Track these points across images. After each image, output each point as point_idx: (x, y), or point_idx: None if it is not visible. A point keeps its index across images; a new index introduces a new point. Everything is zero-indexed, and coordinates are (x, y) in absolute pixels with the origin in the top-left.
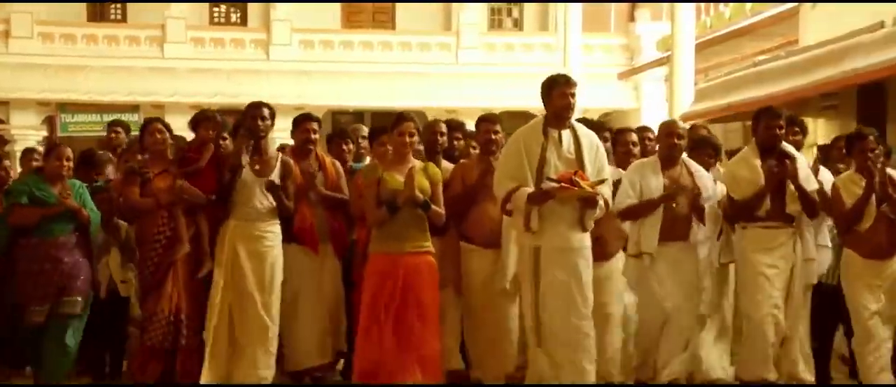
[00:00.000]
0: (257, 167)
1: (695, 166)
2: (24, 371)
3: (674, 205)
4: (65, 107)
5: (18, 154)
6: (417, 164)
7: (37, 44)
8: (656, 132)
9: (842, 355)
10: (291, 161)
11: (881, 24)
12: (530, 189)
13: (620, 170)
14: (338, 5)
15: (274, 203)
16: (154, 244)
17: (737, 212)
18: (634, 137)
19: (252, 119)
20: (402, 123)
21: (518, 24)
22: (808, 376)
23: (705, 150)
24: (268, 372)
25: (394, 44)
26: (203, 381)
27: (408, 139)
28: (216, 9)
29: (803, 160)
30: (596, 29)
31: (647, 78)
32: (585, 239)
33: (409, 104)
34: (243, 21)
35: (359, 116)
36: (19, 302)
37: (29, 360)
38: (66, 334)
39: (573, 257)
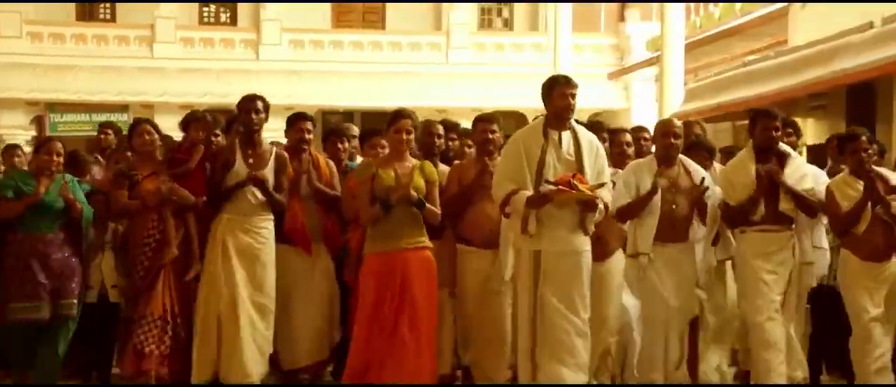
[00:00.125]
0: (251, 161)
1: (692, 165)
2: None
3: (673, 206)
4: (54, 106)
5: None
6: (414, 162)
7: (25, 43)
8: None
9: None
10: (285, 155)
11: (870, 25)
12: (529, 192)
13: (618, 170)
14: (328, 5)
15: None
16: (144, 247)
17: (732, 217)
18: (628, 137)
19: (246, 112)
20: (400, 119)
21: (508, 24)
22: (802, 377)
23: (700, 153)
24: (257, 370)
25: (384, 44)
26: (194, 380)
27: (405, 136)
28: (206, 8)
29: (801, 160)
30: (586, 29)
31: (636, 78)
32: (586, 243)
33: (400, 104)
34: (233, 21)
35: (349, 115)
36: (2, 299)
37: (9, 360)
38: (60, 337)
39: (573, 262)
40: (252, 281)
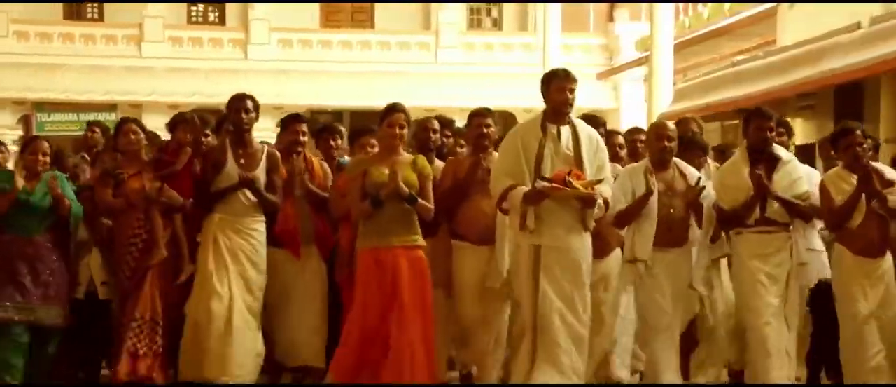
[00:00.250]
0: (242, 161)
1: (687, 168)
2: None
3: (670, 210)
4: (41, 106)
5: None
6: (406, 157)
7: (12, 42)
8: (636, 134)
9: None
10: (277, 153)
11: (858, 25)
12: (526, 188)
13: (617, 166)
14: (316, 5)
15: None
16: (130, 247)
17: (726, 220)
18: (621, 138)
19: (235, 112)
20: (393, 114)
21: (497, 24)
22: (796, 377)
23: (694, 151)
24: (242, 371)
25: (373, 43)
26: (181, 379)
27: (397, 131)
28: (194, 8)
29: (795, 162)
30: (575, 29)
31: (626, 78)
32: (585, 239)
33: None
34: (221, 20)
35: (338, 115)
36: None
37: None
38: (49, 345)
39: (573, 259)
40: (244, 282)
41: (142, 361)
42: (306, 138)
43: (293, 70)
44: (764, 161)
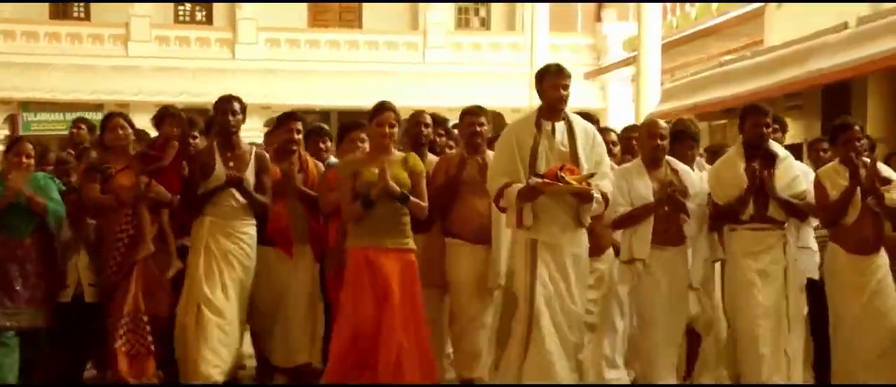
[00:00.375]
0: (231, 164)
1: (679, 165)
2: None
3: (665, 208)
4: (27, 105)
5: None
6: (397, 155)
7: None
8: (629, 132)
9: None
10: (266, 154)
11: (845, 25)
12: (521, 185)
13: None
14: (304, 4)
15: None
16: (116, 243)
17: (721, 215)
18: (613, 136)
19: (222, 114)
20: (382, 112)
21: (485, 24)
22: (802, 377)
23: (685, 143)
24: (214, 371)
25: (361, 43)
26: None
27: (387, 130)
28: (181, 8)
29: (791, 160)
30: (563, 29)
31: (613, 78)
32: (581, 236)
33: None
34: (209, 20)
35: (325, 115)
36: None
37: None
38: (34, 346)
39: (568, 256)
40: (234, 285)
41: (140, 359)
42: (301, 136)
43: (281, 70)
44: (760, 158)
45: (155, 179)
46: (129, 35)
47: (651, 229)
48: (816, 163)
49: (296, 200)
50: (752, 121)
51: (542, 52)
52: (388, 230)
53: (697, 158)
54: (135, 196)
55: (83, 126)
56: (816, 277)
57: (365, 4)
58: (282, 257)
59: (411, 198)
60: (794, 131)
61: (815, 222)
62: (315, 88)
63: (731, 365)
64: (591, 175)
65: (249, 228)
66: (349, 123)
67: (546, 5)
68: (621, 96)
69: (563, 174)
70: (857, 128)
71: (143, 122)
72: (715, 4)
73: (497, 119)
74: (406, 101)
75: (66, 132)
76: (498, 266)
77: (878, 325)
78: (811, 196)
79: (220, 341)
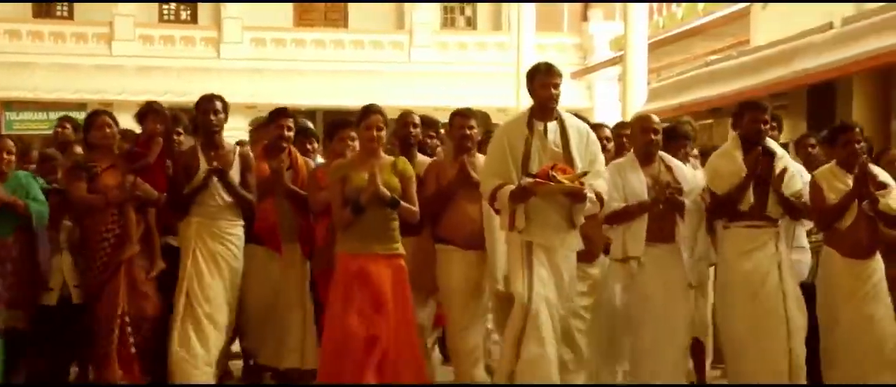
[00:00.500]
0: (215, 163)
1: (673, 161)
2: None
3: (658, 205)
4: (10, 104)
5: None
6: (386, 159)
7: None
8: (620, 130)
9: None
10: (250, 153)
11: (830, 25)
12: (513, 186)
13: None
14: (289, 4)
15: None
16: (102, 243)
17: (719, 206)
18: (608, 132)
19: (204, 113)
20: (370, 115)
21: (471, 23)
22: (801, 376)
23: (678, 141)
24: (204, 372)
25: (346, 42)
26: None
27: (375, 133)
28: (165, 7)
29: (788, 159)
30: (549, 28)
31: (600, 77)
32: (574, 237)
33: (362, 103)
34: (193, 19)
35: (311, 114)
36: None
37: None
38: (12, 348)
39: (561, 257)
40: (216, 289)
41: (127, 360)
42: (292, 134)
43: (266, 69)
44: (758, 153)
45: (140, 176)
46: (113, 34)
47: (645, 227)
48: (806, 159)
49: (284, 198)
50: (751, 116)
51: (528, 52)
52: (378, 236)
53: (692, 159)
54: (122, 196)
55: (68, 125)
56: (807, 279)
57: (350, 4)
58: (271, 256)
59: (402, 203)
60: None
61: (808, 224)
62: (301, 88)
63: (729, 369)
64: (585, 174)
65: (236, 229)
66: (338, 122)
67: (532, 5)
68: (608, 96)
69: (554, 173)
70: (857, 130)
71: (128, 121)
72: (701, 4)
73: (484, 120)
74: (392, 100)
75: (49, 131)
76: (495, 271)
77: (871, 330)
78: (806, 197)
79: (210, 342)
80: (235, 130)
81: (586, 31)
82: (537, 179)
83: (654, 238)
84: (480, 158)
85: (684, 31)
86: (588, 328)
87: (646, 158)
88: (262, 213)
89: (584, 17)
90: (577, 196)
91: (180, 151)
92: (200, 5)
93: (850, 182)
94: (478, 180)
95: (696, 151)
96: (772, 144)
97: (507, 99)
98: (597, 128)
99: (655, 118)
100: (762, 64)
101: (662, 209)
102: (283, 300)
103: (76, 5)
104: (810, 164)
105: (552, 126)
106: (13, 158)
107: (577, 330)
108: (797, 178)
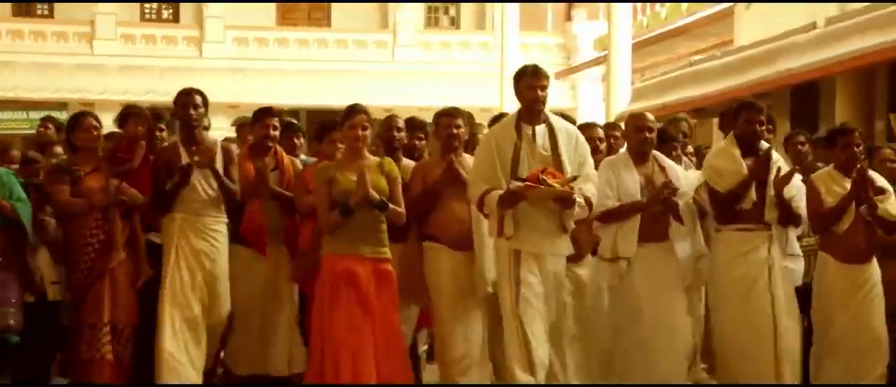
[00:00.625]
0: (197, 158)
1: (666, 161)
2: None
3: (658, 208)
4: None
5: None
6: (372, 160)
7: None
8: (611, 130)
9: None
10: (232, 147)
11: (814, 25)
12: (501, 191)
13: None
14: (272, 4)
15: (218, 191)
16: (86, 248)
17: (722, 202)
18: (601, 132)
19: (183, 108)
20: (354, 115)
21: (455, 23)
22: (793, 378)
23: (668, 144)
24: (189, 373)
25: (330, 41)
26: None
27: (360, 133)
28: (147, 6)
29: (783, 163)
30: (533, 28)
31: (584, 77)
32: (564, 242)
33: (346, 103)
34: (175, 18)
35: (294, 114)
36: None
37: None
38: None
39: (551, 264)
40: (202, 286)
41: (101, 367)
42: (277, 133)
43: (249, 68)
44: (754, 155)
45: (125, 180)
46: (95, 33)
47: (637, 227)
48: (795, 157)
49: (270, 199)
50: (746, 116)
51: (511, 52)
52: (366, 238)
53: (685, 157)
54: (106, 200)
55: (51, 125)
56: (800, 284)
57: (334, 4)
58: (256, 258)
59: (390, 205)
60: None
61: (797, 231)
62: (284, 87)
63: (718, 369)
64: (575, 178)
65: (220, 225)
66: (328, 123)
67: (516, 5)
68: (591, 96)
69: (545, 178)
70: (857, 133)
71: (109, 121)
72: (685, 4)
73: (468, 119)
74: (376, 100)
75: (29, 131)
76: (484, 273)
77: (864, 335)
78: (799, 202)
79: (196, 342)
80: (218, 130)
81: (570, 31)
82: (527, 184)
83: (645, 238)
84: (468, 158)
85: (668, 31)
86: (578, 337)
87: (639, 157)
88: (248, 214)
89: (568, 17)
90: (566, 201)
91: (161, 147)
92: (182, 4)
93: (848, 186)
94: (467, 179)
95: (690, 149)
96: (767, 146)
97: (491, 99)
98: (589, 128)
99: (650, 117)
100: (746, 64)
101: (658, 210)
102: (271, 304)
103: (57, 4)
104: (799, 162)
105: (541, 129)
106: None
107: (567, 336)
108: (792, 185)
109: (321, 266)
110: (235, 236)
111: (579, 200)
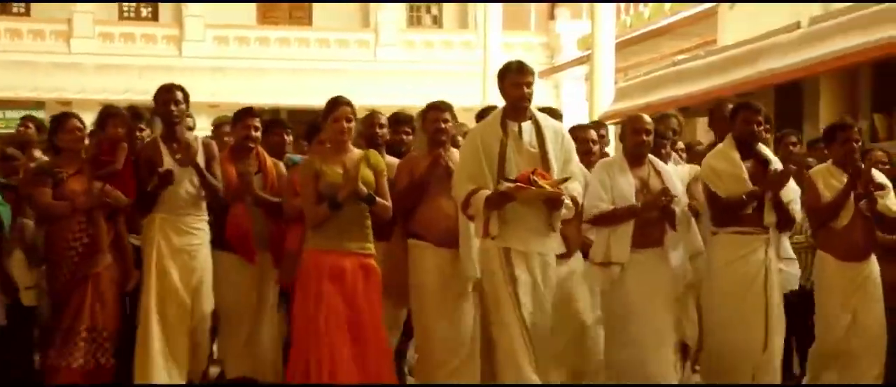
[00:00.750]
0: (178, 156)
1: (661, 165)
2: None
3: (654, 213)
4: None
5: None
6: (357, 153)
7: None
8: (597, 129)
9: None
10: (213, 144)
11: (797, 25)
12: (488, 191)
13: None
14: (253, 3)
15: (199, 189)
16: (68, 252)
17: (723, 208)
18: (594, 133)
19: (163, 104)
20: (338, 107)
21: (437, 22)
22: (773, 377)
23: (658, 140)
24: (174, 374)
25: (311, 40)
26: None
27: (345, 125)
28: (126, 4)
29: (779, 164)
30: (516, 27)
31: (567, 77)
32: (552, 240)
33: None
34: (154, 16)
35: (275, 113)
36: None
37: None
38: None
39: (541, 262)
40: (187, 285)
41: (76, 374)
42: (259, 134)
43: (229, 67)
44: (753, 158)
45: (109, 183)
46: (72, 31)
47: (631, 231)
48: (786, 158)
49: (255, 205)
50: (744, 117)
51: (494, 51)
52: (351, 233)
53: (675, 153)
54: (91, 202)
55: (31, 125)
56: (796, 287)
57: (315, 3)
58: (242, 264)
59: (378, 199)
60: None
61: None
62: (265, 87)
63: (704, 369)
64: (565, 180)
65: (201, 224)
66: (319, 123)
67: (499, 4)
68: (575, 95)
69: (536, 178)
70: (856, 128)
71: (87, 120)
72: (668, 4)
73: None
74: (358, 99)
75: (5, 130)
76: (468, 270)
77: (862, 333)
78: (795, 205)
79: (176, 344)
80: (198, 131)
81: (553, 30)
82: (518, 185)
83: (638, 244)
84: (455, 153)
85: (652, 30)
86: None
87: (635, 160)
88: (232, 218)
89: (552, 16)
90: (555, 202)
91: (141, 145)
92: (162, 3)
93: (846, 181)
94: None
95: (681, 144)
96: (765, 151)
97: (474, 98)
98: (581, 129)
99: (648, 119)
100: (729, 64)
101: (654, 216)
102: (257, 310)
103: (33, 3)
104: (791, 162)
105: (527, 126)
106: None
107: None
108: (790, 187)
109: (304, 261)
110: (220, 242)
111: (567, 200)
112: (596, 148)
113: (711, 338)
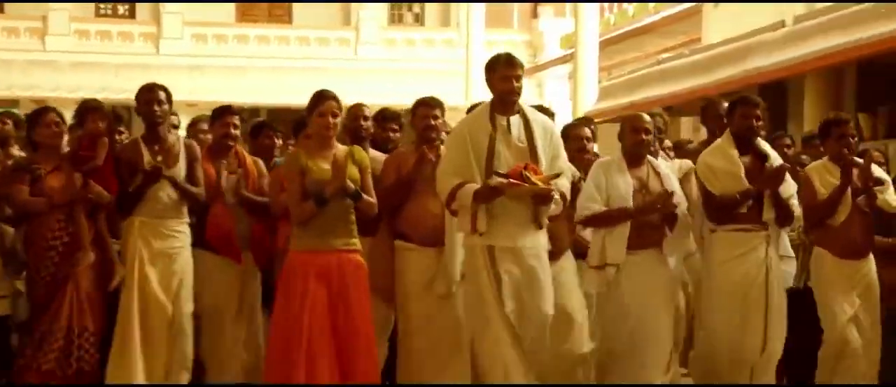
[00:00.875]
0: (159, 158)
1: (661, 165)
2: None
3: (653, 217)
4: None
5: None
6: (342, 149)
7: None
8: (595, 128)
9: None
10: (195, 144)
11: (782, 23)
12: (476, 185)
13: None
14: (232, 2)
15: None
16: (48, 251)
17: (719, 207)
18: (588, 131)
19: (146, 104)
20: (323, 102)
21: (419, 20)
22: (770, 380)
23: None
24: (153, 376)
25: (291, 38)
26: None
27: (330, 120)
28: (103, 4)
29: (778, 159)
30: (499, 25)
31: (550, 75)
32: (540, 238)
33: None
34: (132, 14)
35: (255, 112)
36: None
37: None
38: None
39: (528, 258)
40: (167, 289)
41: (53, 376)
42: (238, 132)
43: (207, 65)
44: (751, 154)
45: (90, 179)
46: (47, 28)
47: (628, 233)
48: (781, 156)
49: (239, 205)
50: (741, 112)
51: (477, 49)
52: (337, 230)
53: (663, 152)
54: (71, 198)
55: (9, 121)
56: (791, 285)
57: (295, 2)
58: (224, 264)
59: (364, 196)
60: None
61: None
62: (243, 85)
63: (694, 367)
64: (556, 176)
65: (182, 226)
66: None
67: (481, 2)
68: (558, 94)
69: (527, 174)
70: (851, 123)
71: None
72: (652, 3)
73: None
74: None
75: None
76: (450, 271)
77: (865, 330)
78: (794, 203)
79: (156, 346)
80: (180, 130)
81: (536, 29)
82: (510, 181)
83: (635, 245)
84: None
85: (635, 28)
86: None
87: (634, 160)
88: (213, 218)
89: (535, 14)
90: (544, 198)
91: (122, 145)
92: (138, 1)
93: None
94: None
95: (668, 143)
96: (764, 146)
97: (456, 97)
98: (576, 127)
99: (647, 118)
100: (714, 62)
101: (655, 220)
102: (242, 310)
103: (7, 2)
104: (789, 159)
105: (515, 120)
106: None
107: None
108: (790, 182)
109: (290, 260)
110: (202, 242)
111: (556, 196)
112: (590, 145)
113: (708, 339)
